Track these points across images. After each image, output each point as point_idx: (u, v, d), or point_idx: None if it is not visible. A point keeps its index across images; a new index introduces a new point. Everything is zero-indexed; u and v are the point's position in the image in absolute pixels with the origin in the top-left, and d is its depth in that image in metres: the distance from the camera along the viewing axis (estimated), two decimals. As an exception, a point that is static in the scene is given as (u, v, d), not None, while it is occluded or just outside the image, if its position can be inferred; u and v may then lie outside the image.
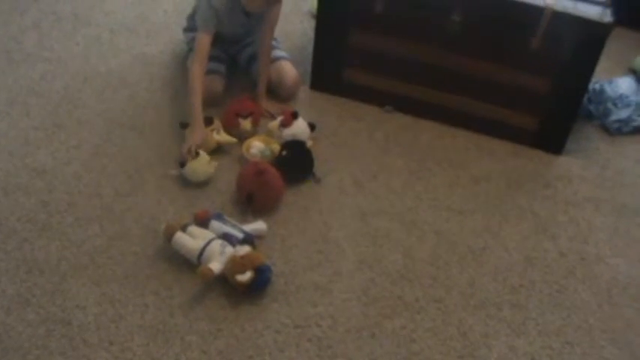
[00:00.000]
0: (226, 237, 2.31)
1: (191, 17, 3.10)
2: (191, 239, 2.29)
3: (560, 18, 2.72)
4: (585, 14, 2.73)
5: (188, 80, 2.78)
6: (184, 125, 2.72)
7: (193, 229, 2.33)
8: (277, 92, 3.05)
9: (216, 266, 2.19)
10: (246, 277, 2.18)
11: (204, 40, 2.78)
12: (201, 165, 2.57)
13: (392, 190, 2.72)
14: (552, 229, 2.66)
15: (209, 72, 2.94)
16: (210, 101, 2.91)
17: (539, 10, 2.72)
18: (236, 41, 3.09)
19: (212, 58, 2.97)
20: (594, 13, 2.75)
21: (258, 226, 2.43)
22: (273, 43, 3.08)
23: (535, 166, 2.95)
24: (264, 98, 2.98)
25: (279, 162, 2.65)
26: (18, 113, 2.84)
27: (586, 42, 2.74)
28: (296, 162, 2.68)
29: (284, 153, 2.66)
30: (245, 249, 2.26)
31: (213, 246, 2.26)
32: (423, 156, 2.90)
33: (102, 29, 3.39)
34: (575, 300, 2.40)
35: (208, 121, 2.68)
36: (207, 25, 2.79)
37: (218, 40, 3.04)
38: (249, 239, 2.32)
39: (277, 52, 3.07)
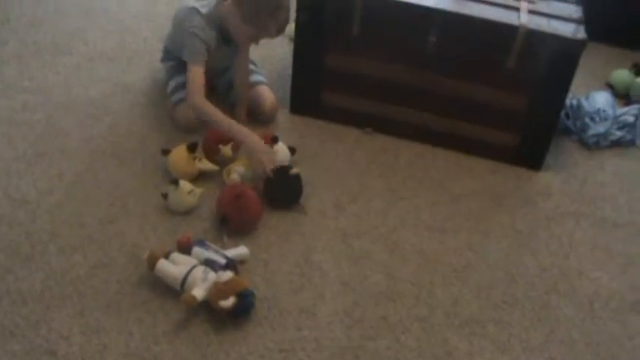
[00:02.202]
0: (209, 263, 2.32)
1: (166, 49, 3.12)
2: (174, 266, 2.29)
3: (535, 36, 2.76)
4: (559, 32, 2.78)
5: (205, 117, 2.80)
6: (166, 152, 2.73)
7: (176, 255, 2.34)
8: (255, 117, 3.07)
9: (199, 293, 2.19)
10: (229, 302, 2.19)
11: (198, 73, 2.80)
12: (183, 195, 2.57)
13: (373, 211, 2.73)
14: (534, 245, 2.69)
15: (183, 101, 2.96)
16: (186, 129, 2.94)
17: (513, 29, 2.76)
18: (215, 69, 3.11)
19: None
20: (568, 30, 2.79)
21: (240, 251, 2.44)
22: (252, 67, 3.10)
23: (515, 182, 2.97)
24: (245, 123, 2.99)
25: (266, 185, 2.67)
26: (0, 144, 2.84)
27: (561, 59, 2.78)
28: (283, 189, 2.68)
29: (272, 177, 2.67)
30: (227, 274, 2.25)
31: (195, 272, 2.26)
32: (403, 176, 2.92)
33: (82, 58, 3.40)
34: (558, 315, 2.42)
35: (193, 148, 2.70)
36: (199, 58, 2.82)
37: None
38: (231, 265, 2.33)
39: (255, 77, 3.10)
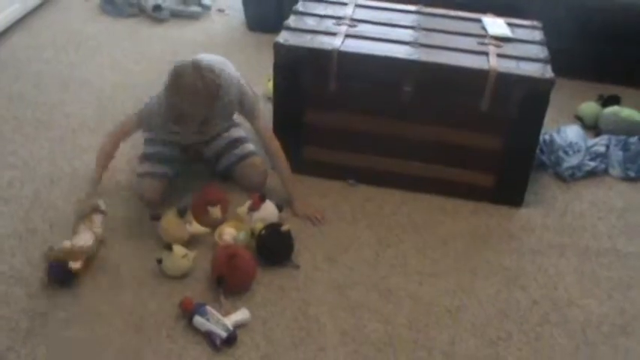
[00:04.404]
0: (209, 336, 2.36)
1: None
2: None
3: (505, 79, 2.86)
4: (527, 72, 2.88)
5: (100, 150, 2.94)
6: (156, 217, 2.77)
7: None
8: (245, 185, 3.09)
9: None
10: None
11: (130, 127, 2.95)
12: (178, 259, 2.61)
13: (364, 261, 2.78)
14: (522, 280, 2.75)
15: (148, 175, 2.99)
16: (147, 203, 2.98)
17: (484, 73, 2.86)
18: (195, 143, 3.15)
19: (157, 157, 3.03)
20: (536, 70, 2.90)
21: (241, 316, 2.46)
22: (244, 135, 3.15)
23: (498, 220, 3.05)
24: (301, 203, 3.01)
25: (258, 243, 2.72)
26: (-11, 222, 2.87)
27: (531, 98, 2.88)
28: (275, 246, 2.73)
29: (263, 232, 2.72)
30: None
31: None
32: (389, 224, 2.99)
33: (64, 131, 3.45)
34: (553, 344, 2.48)
35: (183, 212, 2.74)
36: (146, 121, 2.92)
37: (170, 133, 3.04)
38: (232, 336, 2.36)
39: (246, 147, 3.12)
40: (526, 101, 2.88)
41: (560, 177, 3.34)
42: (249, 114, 2.97)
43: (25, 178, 3.12)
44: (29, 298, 2.52)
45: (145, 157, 3.05)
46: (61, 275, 2.57)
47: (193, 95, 2.66)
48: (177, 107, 2.73)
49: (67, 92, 3.79)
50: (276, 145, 2.96)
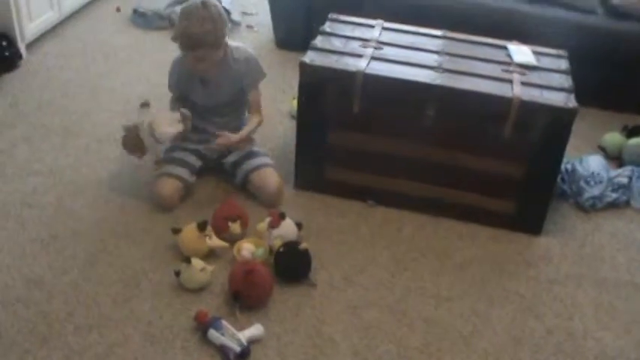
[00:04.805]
0: (223, 350, 2.38)
1: None
2: None
3: (528, 107, 2.87)
4: (551, 101, 2.89)
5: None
6: (176, 231, 2.81)
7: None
8: (261, 199, 3.14)
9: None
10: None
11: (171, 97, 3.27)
12: (195, 272, 2.64)
13: (380, 282, 2.79)
14: (538, 308, 2.74)
15: (165, 175, 3.08)
16: (163, 206, 3.05)
17: (507, 101, 2.87)
18: (204, 106, 3.22)
19: (177, 160, 3.14)
20: (559, 99, 2.91)
21: (255, 331, 2.48)
22: (256, 149, 3.22)
23: (516, 248, 3.05)
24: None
25: (276, 260, 2.74)
26: (13, 226, 2.91)
27: (554, 127, 2.88)
28: (292, 264, 2.75)
29: (281, 250, 2.75)
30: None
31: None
32: (407, 247, 2.99)
33: (90, 140, 3.50)
34: (565, 377, 2.48)
35: (203, 226, 2.77)
36: (170, 85, 3.26)
37: (191, 137, 3.19)
38: (245, 352, 2.38)
39: (262, 159, 3.18)
40: (548, 130, 2.88)
41: (580, 207, 3.33)
42: (253, 81, 3.16)
43: (49, 185, 3.17)
44: (48, 303, 2.57)
45: (164, 161, 3.15)
46: None
47: (195, 15, 2.92)
48: (181, 26, 2.96)
49: (95, 101, 3.85)
50: (260, 113, 3.22)
